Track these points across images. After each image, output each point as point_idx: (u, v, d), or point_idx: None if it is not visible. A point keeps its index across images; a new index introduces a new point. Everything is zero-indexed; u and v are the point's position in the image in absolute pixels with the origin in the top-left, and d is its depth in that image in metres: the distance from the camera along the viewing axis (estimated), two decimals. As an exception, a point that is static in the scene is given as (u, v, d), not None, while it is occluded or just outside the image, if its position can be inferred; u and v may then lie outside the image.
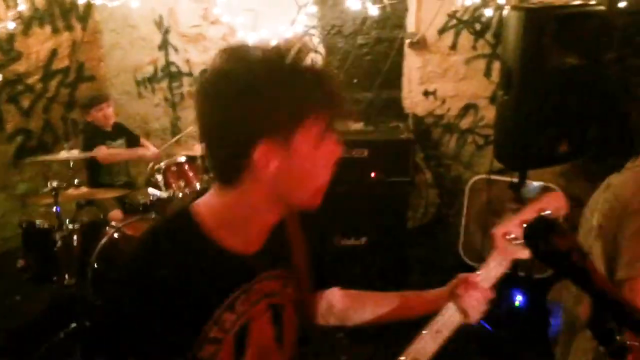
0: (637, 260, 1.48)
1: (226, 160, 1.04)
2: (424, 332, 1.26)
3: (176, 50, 4.97)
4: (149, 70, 5.15)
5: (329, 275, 1.43)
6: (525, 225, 1.02)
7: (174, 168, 3.65)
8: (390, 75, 4.15)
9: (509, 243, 1.18)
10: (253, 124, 0.98)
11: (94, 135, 3.93)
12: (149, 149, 4.28)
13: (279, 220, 1.17)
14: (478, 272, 1.25)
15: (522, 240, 1.11)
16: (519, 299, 3.07)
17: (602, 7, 2.80)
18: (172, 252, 1.08)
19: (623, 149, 3.51)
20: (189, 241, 1.09)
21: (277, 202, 1.11)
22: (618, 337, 0.90)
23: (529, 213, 1.13)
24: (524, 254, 1.16)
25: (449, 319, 1.25)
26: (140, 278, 1.10)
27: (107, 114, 4.02)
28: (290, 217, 1.22)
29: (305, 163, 1.04)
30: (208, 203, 1.13)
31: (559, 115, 2.76)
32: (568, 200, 1.18)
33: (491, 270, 1.25)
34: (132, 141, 4.28)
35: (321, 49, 4.35)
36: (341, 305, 1.43)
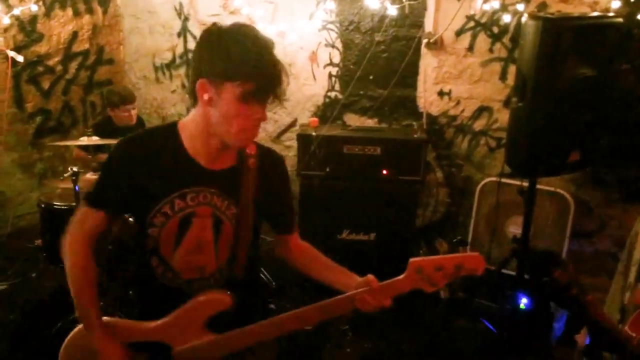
0: None
1: (190, 85, 1.51)
2: (315, 304, 1.56)
3: (195, 38, 5.01)
4: (167, 56, 5.21)
5: (290, 223, 1.84)
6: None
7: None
8: (406, 74, 4.17)
9: (418, 275, 1.45)
10: (200, 65, 1.46)
11: (107, 131, 3.94)
12: None
13: (230, 150, 1.60)
14: (382, 283, 1.53)
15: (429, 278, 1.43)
16: (524, 302, 3.12)
17: (619, 19, 2.82)
18: (153, 140, 1.60)
19: (634, 158, 3.56)
20: (167, 138, 1.58)
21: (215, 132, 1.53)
22: (611, 365, 0.95)
23: (446, 261, 1.42)
24: (427, 287, 1.47)
25: (342, 305, 1.55)
26: (127, 147, 1.60)
27: (131, 115, 4.06)
28: (247, 162, 1.64)
29: (226, 107, 1.45)
30: (187, 118, 1.60)
31: (572, 124, 2.79)
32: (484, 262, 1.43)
33: (394, 287, 1.51)
34: None
35: (338, 44, 4.38)
36: (297, 255, 1.83)
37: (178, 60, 5.17)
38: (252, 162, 1.65)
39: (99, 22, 5.09)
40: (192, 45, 5.05)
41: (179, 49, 5.12)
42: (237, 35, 1.44)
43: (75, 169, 3.01)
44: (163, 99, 5.36)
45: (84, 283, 1.64)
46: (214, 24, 1.50)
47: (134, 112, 4.09)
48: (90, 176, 3.87)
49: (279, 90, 1.48)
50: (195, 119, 1.55)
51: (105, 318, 1.66)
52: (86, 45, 5.03)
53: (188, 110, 5.22)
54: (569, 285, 0.94)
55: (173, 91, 5.29)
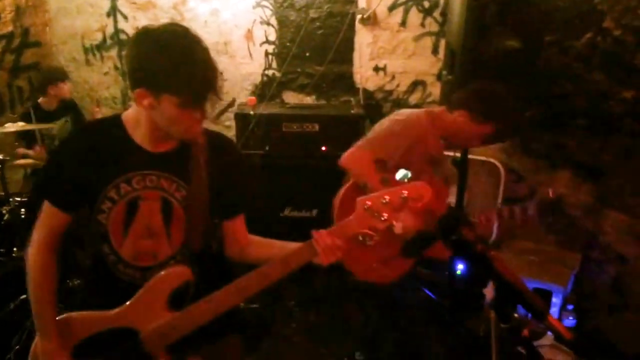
0: None
1: (130, 87, 1.51)
2: (276, 259, 1.58)
3: (125, 17, 4.86)
4: (97, 37, 5.03)
5: (238, 206, 1.77)
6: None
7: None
8: (342, 50, 4.20)
9: (367, 212, 1.46)
10: (134, 74, 1.47)
11: (37, 119, 3.85)
12: None
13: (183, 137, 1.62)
14: (335, 225, 1.57)
15: (378, 213, 1.43)
16: (460, 268, 3.24)
17: (543, -8, 2.93)
18: (97, 130, 1.67)
19: (559, 127, 3.72)
20: (112, 128, 1.62)
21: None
22: (516, 316, 1.03)
23: (391, 194, 1.41)
24: (378, 224, 1.46)
25: (302, 254, 1.58)
26: (71, 140, 1.72)
27: (64, 92, 4.02)
28: (197, 143, 1.65)
29: (168, 114, 1.48)
30: (130, 111, 1.63)
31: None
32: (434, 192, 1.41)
33: (348, 227, 1.53)
34: (79, 121, 4.24)
35: (273, 21, 4.35)
36: (244, 245, 1.78)
37: (109, 41, 5.00)
38: (202, 142, 1.66)
39: (22, 3, 4.85)
40: (122, 25, 4.89)
41: (109, 29, 4.95)
42: (167, 45, 1.43)
43: (0, 157, 2.89)
44: (95, 82, 5.19)
45: (40, 283, 1.63)
46: (144, 30, 1.48)
47: (66, 88, 4.10)
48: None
49: (215, 93, 1.49)
50: (138, 114, 1.58)
51: (59, 317, 1.63)
52: (10, 28, 4.79)
53: (122, 93, 5.07)
54: (474, 242, 1.00)
55: (105, 73, 5.12)
